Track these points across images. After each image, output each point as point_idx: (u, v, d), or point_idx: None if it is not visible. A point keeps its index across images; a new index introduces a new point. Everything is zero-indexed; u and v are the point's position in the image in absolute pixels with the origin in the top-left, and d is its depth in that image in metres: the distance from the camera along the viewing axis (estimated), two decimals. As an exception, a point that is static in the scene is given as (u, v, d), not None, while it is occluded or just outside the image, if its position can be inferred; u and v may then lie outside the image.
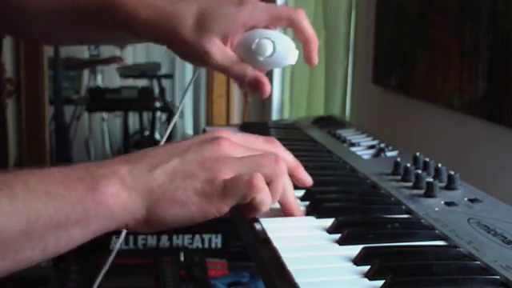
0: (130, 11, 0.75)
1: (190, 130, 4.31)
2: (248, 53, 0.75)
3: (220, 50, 0.74)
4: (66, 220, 0.53)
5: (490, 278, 0.50)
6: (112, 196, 0.54)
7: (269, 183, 0.59)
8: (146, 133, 4.59)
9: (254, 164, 0.59)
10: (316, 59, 0.78)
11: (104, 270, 0.73)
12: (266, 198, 0.58)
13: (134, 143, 4.42)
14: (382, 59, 1.35)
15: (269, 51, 0.75)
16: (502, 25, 0.92)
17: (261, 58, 0.75)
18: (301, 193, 0.70)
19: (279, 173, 0.60)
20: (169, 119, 4.19)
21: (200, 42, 0.74)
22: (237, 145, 0.61)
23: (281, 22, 0.76)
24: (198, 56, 0.75)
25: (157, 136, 4.43)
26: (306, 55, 0.78)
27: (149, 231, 0.59)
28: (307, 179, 0.67)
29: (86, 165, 0.57)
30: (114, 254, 0.74)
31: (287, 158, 0.65)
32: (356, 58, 1.69)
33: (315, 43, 0.77)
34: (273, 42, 0.75)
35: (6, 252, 0.52)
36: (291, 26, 0.77)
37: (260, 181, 0.57)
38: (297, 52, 0.77)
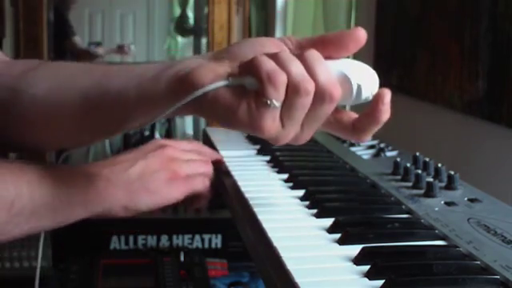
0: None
1: (190, 130, 4.30)
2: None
3: None
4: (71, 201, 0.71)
5: (489, 278, 0.50)
6: (104, 189, 0.73)
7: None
8: (146, 133, 4.58)
9: (195, 166, 0.82)
10: None
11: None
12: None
13: (134, 143, 4.41)
14: (382, 59, 1.35)
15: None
16: (502, 25, 0.92)
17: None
18: (301, 193, 0.71)
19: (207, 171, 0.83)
20: (169, 119, 4.18)
21: None
22: (177, 149, 0.81)
23: None
24: None
25: (157, 136, 4.41)
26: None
27: (125, 215, 0.77)
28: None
29: (80, 166, 0.74)
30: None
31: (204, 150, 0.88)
32: (356, 58, 1.69)
33: None
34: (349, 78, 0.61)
35: None
36: None
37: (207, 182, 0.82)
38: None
